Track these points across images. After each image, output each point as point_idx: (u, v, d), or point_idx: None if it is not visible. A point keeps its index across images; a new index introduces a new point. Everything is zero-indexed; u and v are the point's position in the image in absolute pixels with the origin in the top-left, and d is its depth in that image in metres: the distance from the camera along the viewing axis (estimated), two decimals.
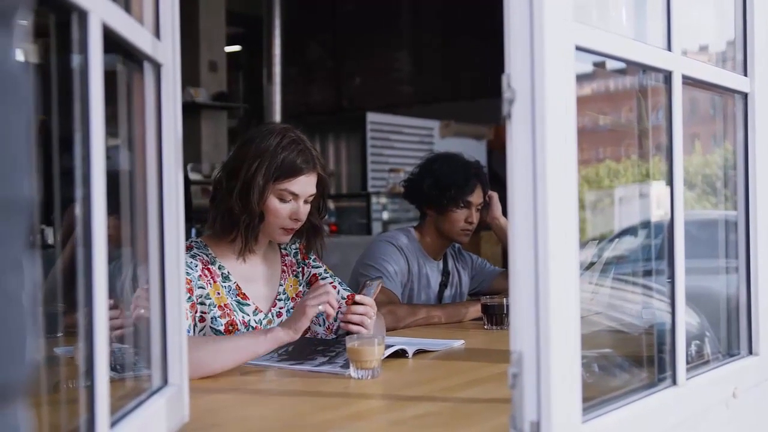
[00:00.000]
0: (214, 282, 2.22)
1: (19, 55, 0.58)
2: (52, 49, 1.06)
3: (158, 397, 1.33)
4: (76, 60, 1.03)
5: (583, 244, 1.32)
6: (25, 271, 0.57)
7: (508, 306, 2.66)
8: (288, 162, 2.20)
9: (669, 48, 1.54)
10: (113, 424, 1.11)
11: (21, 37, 0.58)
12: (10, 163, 0.55)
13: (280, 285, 2.38)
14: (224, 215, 2.23)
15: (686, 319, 1.58)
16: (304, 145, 2.26)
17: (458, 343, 2.38)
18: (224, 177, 2.24)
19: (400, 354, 2.14)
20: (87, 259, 1.02)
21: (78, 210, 1.03)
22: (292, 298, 2.39)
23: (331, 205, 7.78)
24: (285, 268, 2.41)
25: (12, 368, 0.55)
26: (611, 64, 1.55)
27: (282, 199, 2.22)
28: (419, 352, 2.21)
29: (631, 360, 1.76)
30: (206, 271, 2.20)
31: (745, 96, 1.83)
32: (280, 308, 2.35)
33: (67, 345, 1.36)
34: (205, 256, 2.23)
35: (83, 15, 1.01)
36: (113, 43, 1.13)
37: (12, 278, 0.55)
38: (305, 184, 2.24)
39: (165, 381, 1.39)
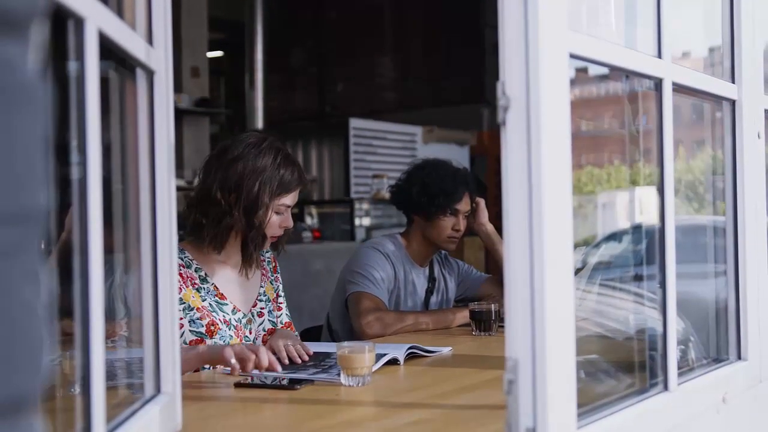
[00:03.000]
0: (188, 287, 2.27)
1: (35, 64, 0.58)
2: (46, 55, 1.05)
3: (152, 405, 1.32)
4: (71, 66, 1.02)
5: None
6: (40, 280, 0.56)
7: (496, 312, 2.68)
8: (286, 178, 2.31)
9: (659, 55, 1.55)
10: None
11: (37, 48, 0.58)
12: (26, 172, 0.55)
13: (261, 287, 2.46)
14: (225, 231, 2.29)
15: None
16: (294, 159, 2.38)
17: (447, 350, 2.38)
18: (219, 191, 2.26)
19: (391, 361, 2.14)
20: (83, 266, 1.01)
21: (74, 217, 1.02)
22: (272, 300, 2.48)
23: (314, 211, 7.77)
24: (264, 271, 2.50)
25: (29, 379, 0.55)
26: (593, 70, 1.56)
27: (277, 213, 2.33)
28: (411, 357, 2.21)
29: (619, 365, 1.76)
30: (179, 276, 2.23)
31: (732, 103, 1.85)
32: (261, 308, 2.43)
33: (59, 353, 1.35)
34: (179, 260, 2.25)
35: (79, 22, 1.00)
36: (107, 49, 1.12)
37: (29, 288, 0.55)
38: (296, 196, 2.37)
39: (158, 389, 1.38)
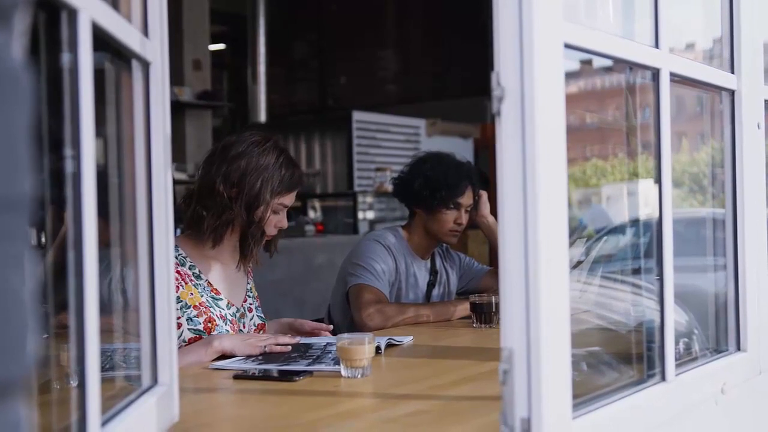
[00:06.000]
0: (186, 284, 2.29)
1: (19, 53, 0.58)
2: (40, 47, 1.05)
3: (148, 396, 1.33)
4: (65, 58, 1.02)
5: (570, 243, 1.32)
6: (25, 266, 0.57)
7: (496, 304, 2.68)
8: (287, 178, 2.35)
9: (657, 45, 1.54)
10: (104, 423, 1.10)
11: (20, 36, 0.58)
12: (10, 160, 0.55)
13: (248, 283, 2.50)
14: (225, 225, 2.31)
15: (674, 317, 1.58)
16: (295, 161, 2.42)
17: (408, 339, 2.41)
18: (221, 185, 2.28)
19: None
20: (77, 259, 1.01)
21: (68, 210, 1.02)
22: (256, 297, 2.53)
23: (317, 204, 7.77)
24: (250, 270, 2.53)
25: (14, 364, 0.55)
26: (598, 62, 1.56)
27: (275, 212, 2.36)
28: (389, 346, 2.26)
29: (620, 357, 1.76)
30: (176, 274, 2.24)
31: (732, 93, 1.84)
32: (250, 304, 2.48)
33: (57, 345, 1.35)
34: (173, 253, 2.26)
35: (73, 13, 1.00)
36: (101, 41, 1.12)
37: (14, 274, 0.55)
38: (294, 197, 2.41)
39: (155, 380, 1.38)
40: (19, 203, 0.56)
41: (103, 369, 1.14)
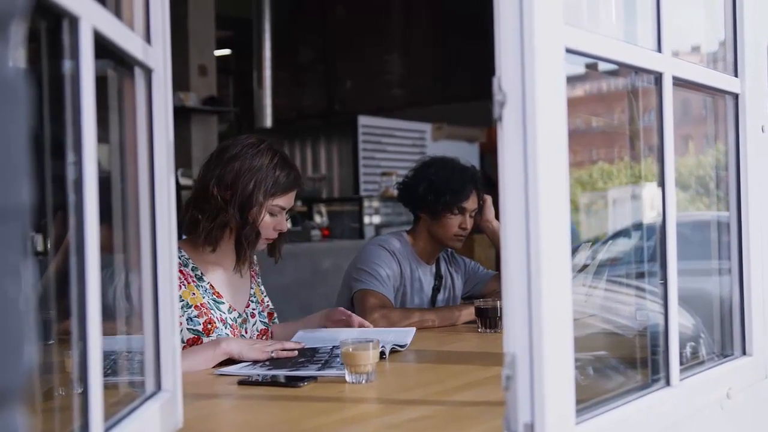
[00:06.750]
0: (188, 283, 2.30)
1: (16, 62, 0.58)
2: (42, 54, 1.05)
3: (152, 402, 1.33)
4: (66, 65, 1.03)
5: (576, 246, 1.32)
6: (22, 276, 0.57)
7: (501, 309, 2.67)
8: (282, 180, 2.34)
9: (659, 49, 1.54)
10: (107, 430, 1.11)
11: (17, 44, 0.58)
12: (7, 169, 0.55)
13: (251, 288, 2.50)
14: (220, 227, 2.31)
15: (681, 321, 1.58)
16: (291, 162, 2.41)
17: (411, 333, 2.42)
18: (215, 188, 2.29)
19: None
20: (80, 265, 1.02)
21: (70, 217, 1.03)
22: (260, 302, 2.52)
23: (323, 209, 7.77)
24: (253, 274, 2.53)
25: (11, 372, 0.55)
26: (603, 66, 1.56)
27: (272, 214, 2.35)
28: (393, 352, 2.25)
29: (625, 361, 1.76)
30: (179, 274, 2.25)
31: (735, 97, 1.84)
32: (253, 309, 2.48)
33: (62, 352, 1.35)
34: (176, 259, 2.27)
35: (74, 21, 1.01)
36: (103, 48, 1.13)
37: (10, 283, 0.55)
38: (292, 199, 2.40)
39: (158, 387, 1.38)
40: (17, 212, 0.56)
41: (105, 374, 1.14)
